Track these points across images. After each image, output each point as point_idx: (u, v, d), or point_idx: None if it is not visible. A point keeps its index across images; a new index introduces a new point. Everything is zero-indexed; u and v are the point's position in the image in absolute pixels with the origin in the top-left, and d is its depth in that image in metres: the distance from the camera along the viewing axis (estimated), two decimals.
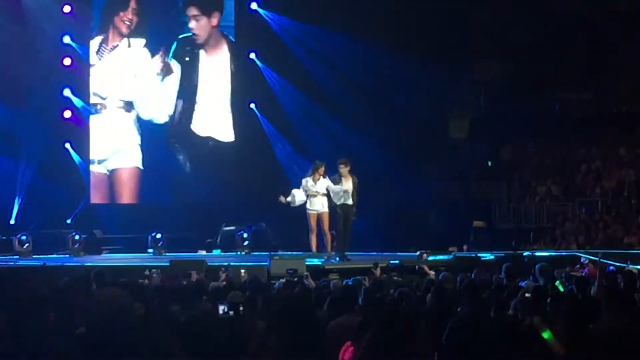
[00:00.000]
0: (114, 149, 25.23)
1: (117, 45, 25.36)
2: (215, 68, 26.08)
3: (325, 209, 19.26)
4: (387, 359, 6.49)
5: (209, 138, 26.00)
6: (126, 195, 25.38)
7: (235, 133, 26.22)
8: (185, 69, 25.72)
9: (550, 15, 27.58)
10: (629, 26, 29.08)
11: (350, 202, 19.02)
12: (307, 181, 19.16)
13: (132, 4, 25.39)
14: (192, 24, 25.65)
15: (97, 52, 25.24)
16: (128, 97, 25.40)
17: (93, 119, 25.13)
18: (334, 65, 26.52)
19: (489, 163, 29.72)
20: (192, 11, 25.69)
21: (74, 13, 24.80)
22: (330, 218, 19.32)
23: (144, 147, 25.40)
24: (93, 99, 25.09)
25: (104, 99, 25.14)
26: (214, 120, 26.12)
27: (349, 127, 26.38)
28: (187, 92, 25.83)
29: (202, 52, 25.91)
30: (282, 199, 19.41)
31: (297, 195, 19.29)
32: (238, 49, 26.40)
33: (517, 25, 27.22)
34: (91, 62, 25.12)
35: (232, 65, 26.22)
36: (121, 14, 25.30)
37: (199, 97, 25.92)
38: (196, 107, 25.91)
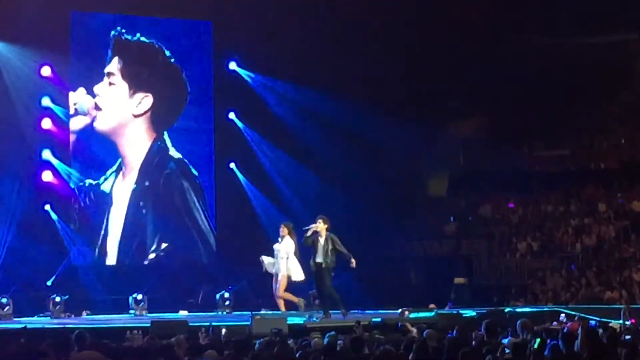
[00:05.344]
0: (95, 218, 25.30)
1: None
2: None
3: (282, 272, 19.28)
4: None
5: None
6: (107, 256, 25.26)
7: (215, 193, 26.28)
8: None
9: (527, 72, 27.84)
10: (605, 83, 29.42)
11: (319, 260, 18.97)
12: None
13: None
14: None
15: None
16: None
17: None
18: (313, 124, 26.59)
19: (469, 219, 29.80)
20: None
21: (53, 75, 24.76)
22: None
23: (123, 209, 25.43)
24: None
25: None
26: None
27: (329, 185, 26.40)
28: None
29: None
30: None
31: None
32: (218, 108, 26.58)
33: (493, 83, 27.46)
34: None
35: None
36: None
37: None
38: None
